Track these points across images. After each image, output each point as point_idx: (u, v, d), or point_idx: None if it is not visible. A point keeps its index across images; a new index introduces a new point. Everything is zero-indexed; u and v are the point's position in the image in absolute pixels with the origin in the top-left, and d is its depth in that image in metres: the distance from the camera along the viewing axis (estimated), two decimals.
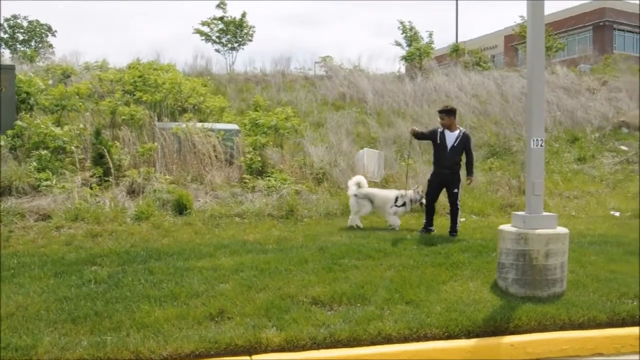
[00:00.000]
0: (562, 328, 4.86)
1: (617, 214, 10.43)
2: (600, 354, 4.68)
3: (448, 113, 8.46)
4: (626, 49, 41.77)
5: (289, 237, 7.92)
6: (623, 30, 43.99)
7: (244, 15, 24.20)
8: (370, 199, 9.01)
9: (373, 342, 4.48)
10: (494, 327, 4.76)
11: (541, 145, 5.54)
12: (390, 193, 9.21)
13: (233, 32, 24.26)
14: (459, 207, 8.42)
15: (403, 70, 24.41)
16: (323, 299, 5.24)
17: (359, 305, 5.13)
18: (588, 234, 8.50)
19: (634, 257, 6.98)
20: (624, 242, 7.96)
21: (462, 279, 5.96)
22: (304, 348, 4.40)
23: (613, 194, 11.90)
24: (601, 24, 42.96)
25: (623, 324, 4.95)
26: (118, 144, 11.17)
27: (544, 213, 5.61)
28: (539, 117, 5.60)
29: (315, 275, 6.00)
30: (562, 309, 5.06)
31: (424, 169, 11.24)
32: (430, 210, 8.58)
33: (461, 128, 8.61)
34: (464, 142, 8.39)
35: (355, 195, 9.00)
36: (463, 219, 9.65)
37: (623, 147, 14.79)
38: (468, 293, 5.50)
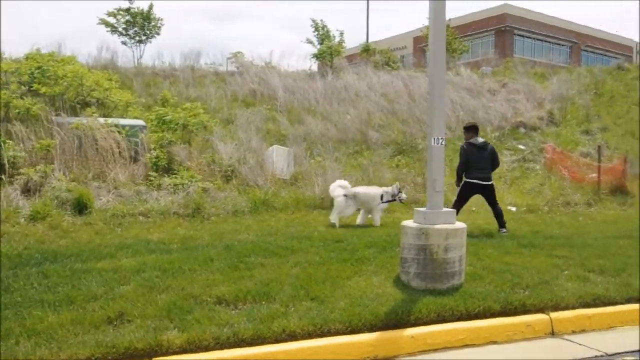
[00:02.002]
0: (460, 319, 5.03)
1: (514, 209, 11.01)
2: (494, 342, 4.89)
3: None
4: (525, 53, 44.18)
5: (194, 236, 7.76)
6: (522, 36, 46.54)
7: (151, 7, 23.48)
8: (355, 198, 9.23)
9: (277, 340, 4.45)
10: (396, 320, 4.86)
11: (442, 144, 5.72)
12: (375, 190, 9.48)
13: (140, 25, 23.46)
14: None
15: (315, 68, 24.61)
16: (227, 298, 5.16)
17: (263, 303, 5.09)
18: (486, 228, 8.91)
19: (526, 250, 7.40)
20: (518, 235, 8.41)
21: (366, 274, 6.06)
22: (206, 348, 4.30)
23: (510, 190, 12.56)
24: (503, 29, 45.24)
25: (515, 312, 5.19)
26: (10, 141, 10.48)
27: (444, 209, 5.80)
28: (440, 116, 5.78)
29: (221, 274, 5.91)
30: (460, 300, 5.24)
31: (333, 167, 11.38)
32: None
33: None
34: None
35: (345, 196, 9.17)
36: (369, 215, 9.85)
37: (520, 146, 15.64)
38: (372, 288, 5.59)
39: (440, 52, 5.83)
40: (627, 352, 4.70)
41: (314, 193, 10.56)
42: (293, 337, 4.51)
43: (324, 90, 18.96)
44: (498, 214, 8.99)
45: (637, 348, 4.77)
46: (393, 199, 9.46)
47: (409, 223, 5.77)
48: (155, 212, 9.09)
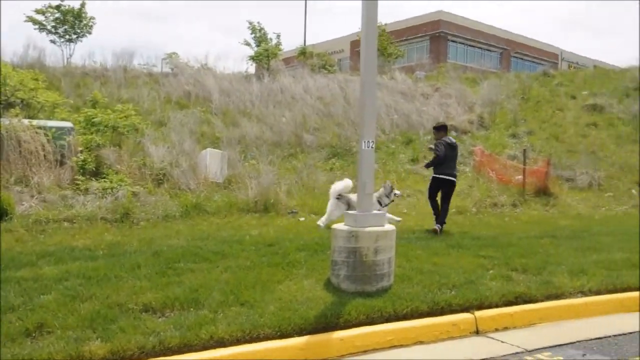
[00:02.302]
0: (389, 320, 5.10)
1: None
2: (422, 342, 4.99)
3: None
4: (458, 58, 45.48)
5: (122, 242, 7.54)
6: (456, 42, 47.91)
7: (83, 5, 22.74)
8: (348, 203, 8.93)
9: (205, 347, 4.38)
10: (325, 324, 4.87)
11: (372, 147, 5.79)
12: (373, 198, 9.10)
13: (71, 23, 22.67)
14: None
15: (252, 70, 24.50)
16: (154, 306, 5.03)
17: (192, 309, 5.00)
18: (416, 230, 9.09)
19: (454, 250, 7.59)
20: (447, 236, 8.62)
21: (297, 278, 6.05)
22: (131, 358, 4.18)
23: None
24: (437, 34, 46.43)
25: (442, 312, 5.32)
26: None
27: (374, 211, 5.88)
28: (371, 120, 5.84)
29: (148, 280, 5.76)
30: (388, 301, 5.31)
31: (268, 170, 11.34)
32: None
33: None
34: None
35: (338, 199, 9.02)
36: (302, 218, 9.86)
37: None
38: (302, 291, 5.59)
39: (372, 56, 5.88)
40: (545, 347, 4.90)
41: (247, 196, 10.47)
42: (221, 343, 4.45)
43: (260, 93, 18.90)
44: (445, 210, 9.35)
45: (554, 343, 4.98)
46: (391, 200, 9.37)
47: (339, 226, 5.81)
48: (81, 218, 8.78)
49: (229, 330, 4.58)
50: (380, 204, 9.07)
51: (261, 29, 24.63)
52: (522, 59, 53.32)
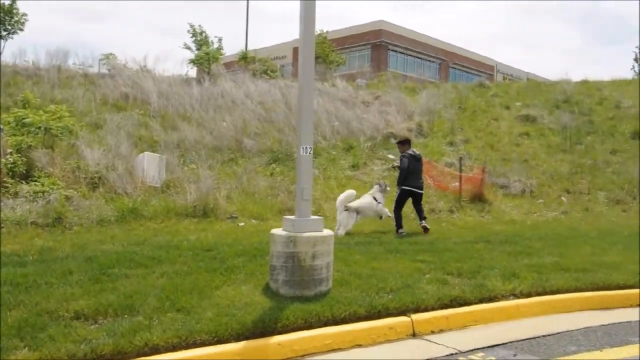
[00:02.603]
0: (327, 324, 5.13)
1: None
2: (359, 345, 5.03)
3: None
4: (398, 68, 46.38)
5: (54, 247, 7.28)
6: (396, 51, 48.84)
7: (14, 1, 21.81)
8: (357, 211, 9.81)
9: (139, 354, 4.28)
10: (263, 329, 4.85)
11: (310, 153, 5.81)
12: (367, 198, 10.23)
13: (1, 19, 21.71)
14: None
15: (192, 74, 24.12)
16: (87, 313, 4.88)
17: (126, 316, 4.87)
18: (355, 235, 9.18)
19: (392, 255, 7.72)
20: (385, 241, 8.76)
21: (235, 283, 6.00)
22: None
23: None
24: (378, 43, 47.19)
25: (379, 316, 5.39)
26: None
27: (312, 217, 5.90)
28: (308, 126, 5.86)
29: (80, 287, 5.58)
30: (326, 306, 5.34)
31: (207, 174, 11.20)
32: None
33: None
34: None
35: (346, 209, 9.68)
36: (242, 223, 9.80)
37: (391, 156, 16.29)
38: (240, 297, 5.55)
39: (309, 63, 5.91)
40: (479, 348, 5.04)
41: (186, 201, 10.30)
42: (156, 350, 4.36)
43: (200, 97, 18.62)
44: (422, 210, 10.32)
45: (486, 344, 5.12)
46: (384, 191, 10.44)
47: (278, 231, 5.81)
48: (10, 222, 8.41)
49: (165, 336, 4.49)
50: (375, 200, 10.14)
51: (202, 32, 24.32)
52: (459, 70, 54.95)
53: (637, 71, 35.11)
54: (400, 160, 10.25)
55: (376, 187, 10.42)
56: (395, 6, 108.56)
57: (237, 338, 4.69)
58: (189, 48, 24.29)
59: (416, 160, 10.26)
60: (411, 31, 50.34)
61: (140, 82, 18.78)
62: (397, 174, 10.57)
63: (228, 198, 11.09)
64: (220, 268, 6.50)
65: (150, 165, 11.51)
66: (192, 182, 10.58)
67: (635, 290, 6.68)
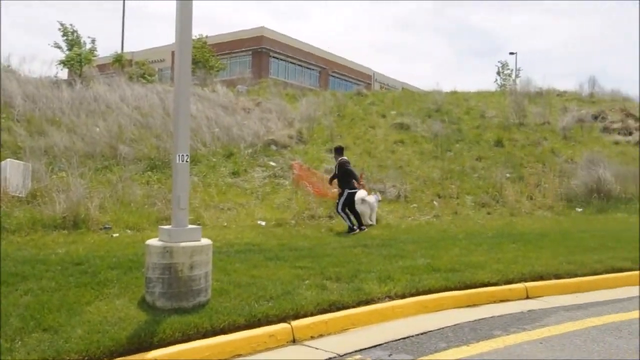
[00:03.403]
0: (206, 335, 5.04)
1: (263, 223, 11.44)
2: (239, 355, 5.00)
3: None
4: (279, 75, 46.75)
5: None
6: (278, 58, 49.19)
7: None
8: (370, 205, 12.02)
9: None
10: (139, 344, 4.68)
11: (186, 161, 5.69)
12: (373, 197, 12.36)
13: None
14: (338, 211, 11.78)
15: (63, 75, 22.77)
16: None
17: None
18: (236, 243, 9.10)
19: (272, 262, 7.74)
20: (265, 248, 8.76)
21: (109, 298, 5.73)
22: None
23: (261, 205, 13.05)
24: (259, 50, 47.27)
25: (259, 324, 5.39)
26: None
27: (189, 226, 5.77)
28: (185, 133, 5.73)
29: None
30: (205, 317, 5.25)
31: (78, 183, 10.58)
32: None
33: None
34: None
35: (362, 202, 11.70)
36: (116, 234, 9.38)
37: (272, 163, 16.35)
38: (114, 312, 5.31)
39: (186, 70, 5.79)
40: (356, 350, 5.19)
41: (54, 212, 9.65)
42: None
43: (72, 100, 17.60)
44: (357, 215, 11.59)
45: (364, 346, 5.28)
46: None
47: (153, 242, 5.63)
48: None
49: (29, 358, 4.20)
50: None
51: (74, 32, 23.05)
52: (339, 78, 56.45)
53: (499, 84, 38.09)
54: (346, 165, 11.85)
55: (376, 196, 12.54)
56: (275, 12, 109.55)
57: (111, 355, 4.49)
58: (59, 47, 22.94)
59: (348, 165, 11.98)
60: (292, 39, 51.00)
61: (2, 83, 17.37)
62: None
63: (101, 208, 10.56)
64: (91, 282, 6.16)
65: (13, 174, 10.67)
66: (61, 192, 9.95)
67: (499, 287, 7.21)
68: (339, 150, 12.21)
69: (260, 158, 16.61)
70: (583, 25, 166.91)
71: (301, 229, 11.25)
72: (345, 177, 11.68)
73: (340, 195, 11.72)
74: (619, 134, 21.62)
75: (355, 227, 11.32)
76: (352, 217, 11.50)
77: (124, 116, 17.03)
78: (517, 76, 39.64)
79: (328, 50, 55.40)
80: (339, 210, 11.61)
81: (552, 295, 7.34)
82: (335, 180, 12.01)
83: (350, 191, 11.56)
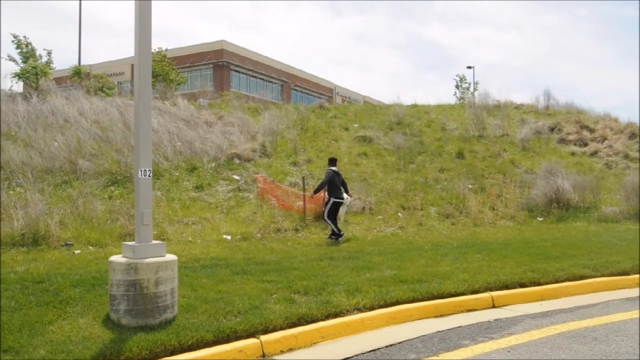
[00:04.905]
0: (173, 353, 4.95)
1: (229, 237, 11.33)
2: None
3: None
4: (241, 88, 46.64)
5: None
6: (239, 72, 49.06)
7: None
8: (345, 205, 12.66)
9: None
10: None
11: (149, 176, 5.60)
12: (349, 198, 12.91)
13: None
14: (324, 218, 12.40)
15: (18, 89, 22.22)
16: None
17: None
18: (202, 258, 8.98)
19: (239, 277, 7.65)
20: (232, 263, 8.66)
21: (72, 317, 5.57)
22: None
23: (226, 219, 12.92)
24: (220, 63, 47.05)
25: (227, 339, 5.31)
26: None
27: (153, 242, 5.66)
28: (146, 148, 5.63)
29: None
30: (172, 334, 5.15)
31: (37, 199, 10.30)
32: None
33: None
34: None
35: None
36: (78, 251, 9.15)
37: (235, 177, 16.22)
38: (78, 331, 5.16)
39: (146, 85, 5.70)
40: None
41: (12, 229, 9.36)
42: None
43: (28, 114, 17.19)
44: (336, 223, 12.20)
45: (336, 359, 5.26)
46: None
47: (117, 258, 5.50)
48: None
49: None
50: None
51: (28, 44, 22.58)
52: (301, 91, 56.63)
53: (458, 97, 38.80)
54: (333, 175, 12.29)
55: (350, 198, 12.95)
56: (234, 24, 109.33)
57: None
58: (13, 60, 22.44)
59: (338, 175, 12.44)
60: (253, 52, 50.98)
61: None
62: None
63: (62, 224, 10.29)
64: (54, 301, 5.98)
65: None
66: (19, 208, 9.67)
67: (466, 297, 7.28)
68: (331, 161, 12.85)
69: (224, 172, 16.46)
70: (531, 40, 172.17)
71: (267, 243, 11.18)
72: (332, 186, 12.23)
73: (326, 203, 12.32)
74: (574, 145, 22.26)
75: (342, 233, 12.09)
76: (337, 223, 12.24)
77: (83, 130, 16.69)
78: (475, 89, 40.46)
79: (288, 64, 55.59)
80: (325, 217, 12.24)
81: (518, 304, 7.45)
82: (322, 191, 12.56)
83: (336, 200, 12.18)
